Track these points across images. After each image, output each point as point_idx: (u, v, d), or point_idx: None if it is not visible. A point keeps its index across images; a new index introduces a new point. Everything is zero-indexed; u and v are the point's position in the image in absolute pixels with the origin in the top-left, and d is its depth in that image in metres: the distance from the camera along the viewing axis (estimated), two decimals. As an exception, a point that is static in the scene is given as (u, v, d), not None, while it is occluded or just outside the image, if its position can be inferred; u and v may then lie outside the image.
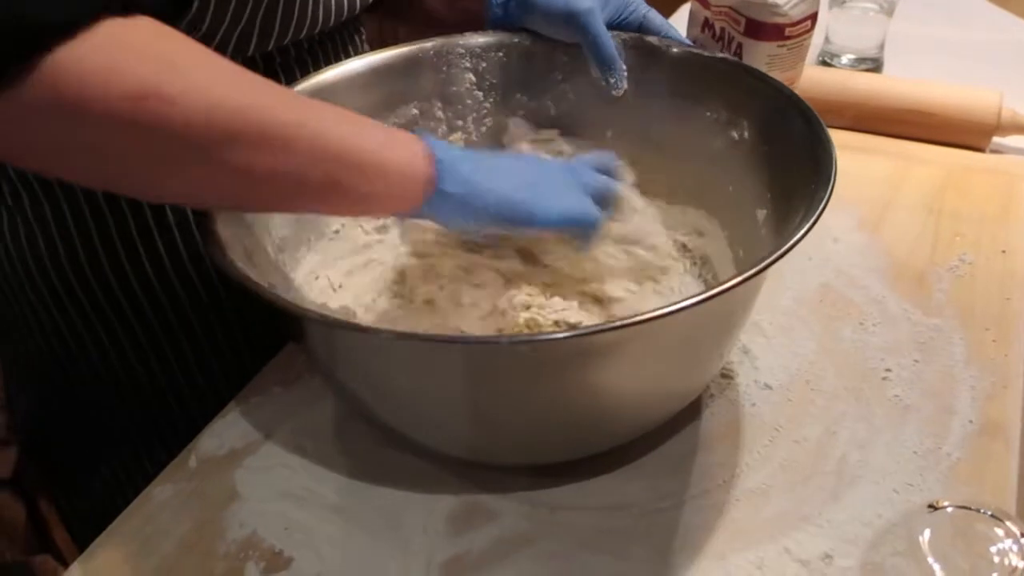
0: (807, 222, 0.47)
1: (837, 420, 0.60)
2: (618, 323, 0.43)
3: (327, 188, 0.49)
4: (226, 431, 0.61)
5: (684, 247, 0.69)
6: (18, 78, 0.39)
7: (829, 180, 0.50)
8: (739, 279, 0.44)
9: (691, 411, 0.61)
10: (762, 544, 0.53)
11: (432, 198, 0.52)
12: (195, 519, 0.55)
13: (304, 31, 0.65)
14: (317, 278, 0.63)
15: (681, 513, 0.55)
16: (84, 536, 0.59)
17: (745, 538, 0.53)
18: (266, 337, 0.68)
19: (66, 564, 0.54)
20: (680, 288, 0.66)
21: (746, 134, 0.62)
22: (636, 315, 0.43)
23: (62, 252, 0.66)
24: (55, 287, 0.68)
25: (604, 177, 0.61)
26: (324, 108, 0.50)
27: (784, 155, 0.57)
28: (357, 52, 0.76)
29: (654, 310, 0.42)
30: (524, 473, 0.57)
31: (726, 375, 0.64)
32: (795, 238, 0.46)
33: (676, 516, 0.55)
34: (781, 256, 0.45)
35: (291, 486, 0.57)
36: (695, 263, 0.67)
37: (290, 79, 0.67)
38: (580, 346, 0.46)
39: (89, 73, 0.40)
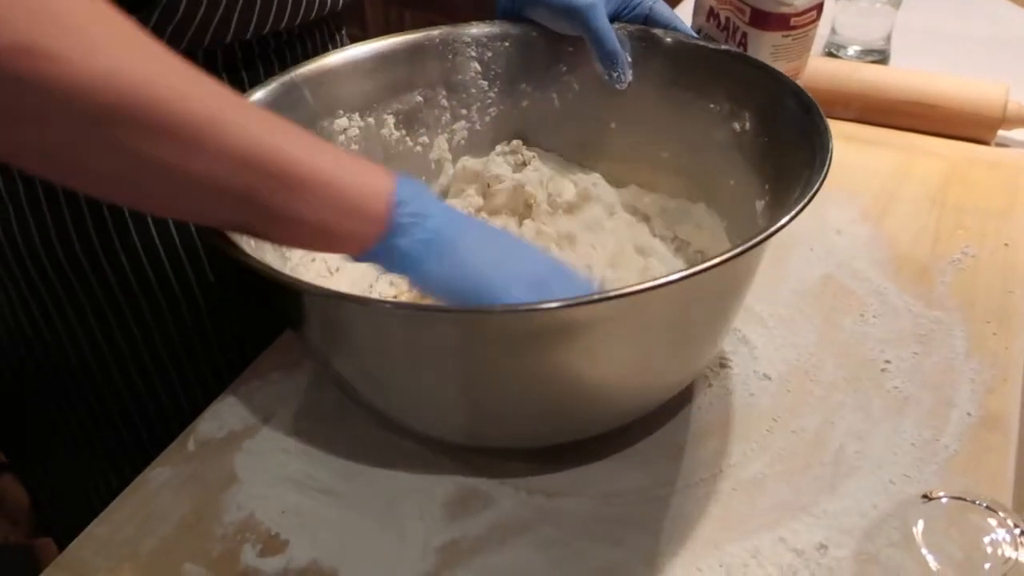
0: (801, 201, 0.47)
1: (835, 411, 0.60)
2: (607, 294, 0.43)
3: (244, 203, 0.43)
4: (225, 414, 0.61)
5: (682, 241, 0.69)
6: None
7: (824, 165, 0.49)
8: (726, 255, 0.44)
9: (688, 399, 0.61)
10: (757, 533, 0.53)
11: (383, 245, 0.46)
12: (193, 501, 0.56)
13: (284, 21, 0.65)
14: (313, 260, 0.63)
15: (677, 501, 0.55)
16: (62, 518, 0.58)
17: (740, 527, 0.53)
18: (244, 334, 0.67)
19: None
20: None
21: (748, 125, 0.62)
22: (626, 287, 0.43)
23: (35, 234, 0.65)
24: (28, 270, 0.66)
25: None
26: (255, 110, 0.45)
27: (783, 145, 0.57)
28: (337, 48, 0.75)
29: (642, 282, 0.42)
30: (521, 459, 0.57)
31: (724, 364, 0.64)
32: (784, 220, 0.45)
33: (672, 504, 0.55)
34: (767, 238, 0.44)
35: (289, 470, 0.57)
36: (694, 259, 0.67)
37: (269, 70, 0.66)
38: (570, 317, 0.46)
39: None
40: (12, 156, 0.42)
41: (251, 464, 0.58)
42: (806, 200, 0.47)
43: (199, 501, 0.56)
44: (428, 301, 0.51)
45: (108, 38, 0.39)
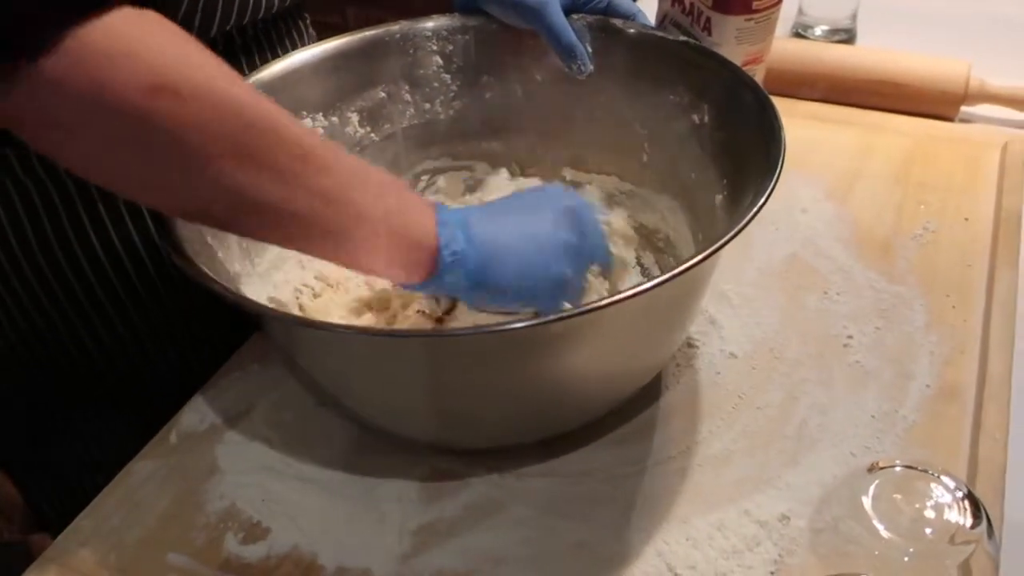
0: (751, 211, 0.48)
1: (799, 386, 0.62)
2: (569, 313, 0.45)
3: (320, 236, 0.47)
4: (206, 407, 0.63)
5: (649, 230, 0.70)
6: (48, 48, 0.38)
7: (774, 174, 0.50)
8: (664, 278, 0.45)
9: (657, 381, 0.62)
10: (722, 507, 0.55)
11: (430, 283, 0.50)
12: (176, 492, 0.57)
13: (247, 16, 0.66)
14: (280, 269, 0.64)
15: (645, 479, 0.57)
16: (56, 513, 0.59)
17: (706, 501, 0.55)
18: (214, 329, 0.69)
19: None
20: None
21: (706, 118, 0.63)
22: (587, 304, 0.45)
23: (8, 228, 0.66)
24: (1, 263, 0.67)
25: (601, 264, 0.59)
26: (332, 147, 0.47)
27: (739, 142, 0.58)
28: (303, 37, 0.76)
29: (598, 300, 0.45)
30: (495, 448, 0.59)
31: (692, 345, 0.66)
32: (716, 246, 0.46)
33: (640, 482, 0.57)
34: (706, 258, 0.46)
35: (269, 459, 0.59)
36: (658, 247, 0.69)
37: (238, 67, 0.67)
38: (529, 336, 0.48)
39: (112, 55, 0.39)
40: (136, 195, 0.46)
41: (232, 455, 0.60)
42: (756, 209, 0.48)
43: (182, 492, 0.57)
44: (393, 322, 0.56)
45: (219, 74, 0.42)
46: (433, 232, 0.50)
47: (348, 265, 0.50)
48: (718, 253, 0.46)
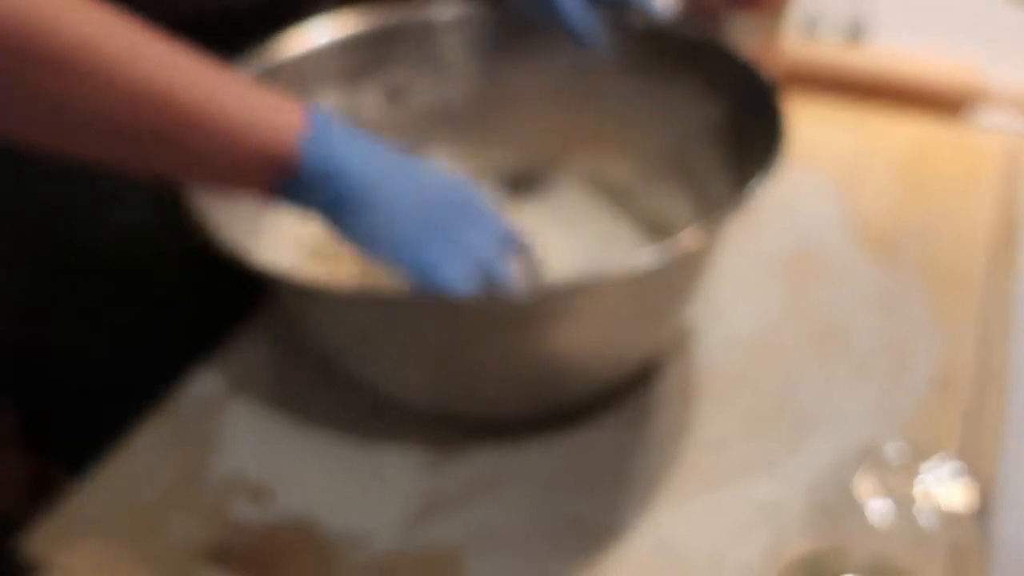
0: (750, 196, 0.49)
1: (798, 374, 0.63)
2: (569, 283, 0.46)
3: (142, 143, 0.44)
4: (212, 376, 0.64)
5: (657, 221, 0.71)
6: None
7: (770, 165, 0.51)
8: (660, 264, 0.46)
9: (656, 362, 0.63)
10: (719, 488, 0.56)
11: (290, 181, 0.45)
12: (184, 458, 0.59)
13: None
14: (293, 236, 0.64)
15: (643, 459, 0.58)
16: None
17: (703, 483, 0.56)
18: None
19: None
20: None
21: (715, 112, 0.64)
22: (579, 279, 0.47)
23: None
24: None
25: (501, 257, 0.51)
26: (165, 47, 0.44)
27: (747, 134, 0.59)
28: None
29: (591, 275, 0.46)
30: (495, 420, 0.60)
31: (691, 330, 0.66)
32: (711, 224, 0.48)
33: (638, 462, 0.58)
34: (702, 247, 0.48)
35: (275, 427, 0.60)
36: (665, 236, 0.70)
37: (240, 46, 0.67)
38: (534, 304, 0.49)
39: None
40: None
41: (237, 423, 0.61)
42: (752, 193, 0.49)
43: (189, 455, 0.59)
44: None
45: None
46: (295, 139, 0.45)
47: (192, 179, 0.47)
48: (715, 234, 0.48)
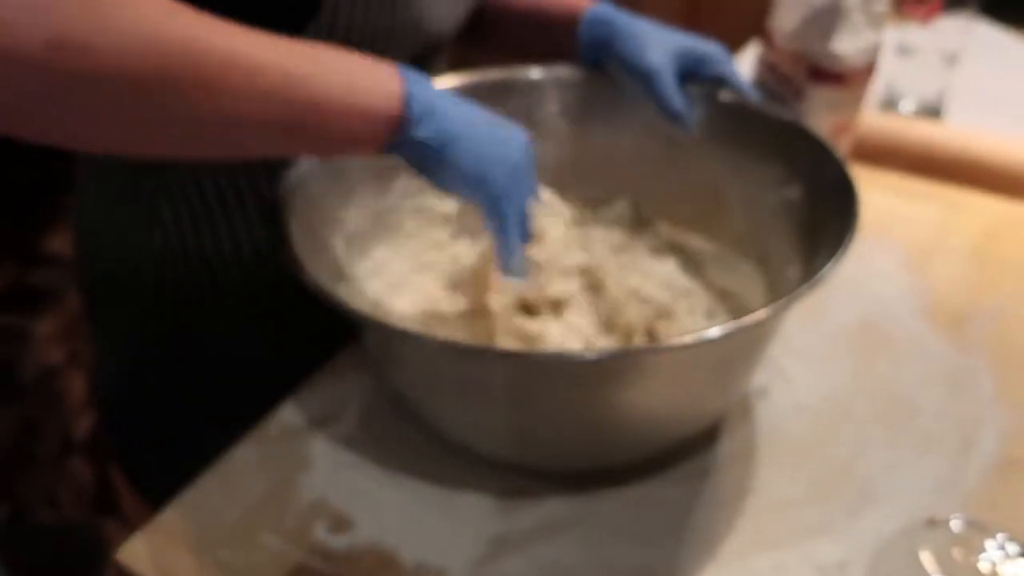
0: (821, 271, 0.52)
1: (864, 444, 0.65)
2: (643, 348, 0.50)
3: (279, 134, 0.48)
4: (304, 405, 0.68)
5: (727, 293, 0.73)
6: None
7: (843, 252, 0.54)
8: (726, 330, 0.49)
9: (724, 425, 0.65)
10: (781, 548, 0.58)
11: (402, 142, 0.52)
12: (272, 480, 0.62)
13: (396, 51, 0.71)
14: (381, 273, 0.69)
15: (708, 515, 0.60)
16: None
17: (766, 542, 0.58)
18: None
19: (131, 528, 0.60)
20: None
21: (795, 194, 0.66)
22: (654, 345, 0.50)
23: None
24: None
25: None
26: (276, 42, 0.47)
27: (821, 218, 0.62)
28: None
29: (667, 342, 0.49)
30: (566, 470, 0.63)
31: (760, 394, 0.68)
32: (782, 301, 0.51)
33: (704, 517, 0.60)
34: (769, 317, 0.51)
35: (358, 459, 0.63)
36: (734, 309, 0.72)
37: None
38: (601, 367, 0.52)
39: (15, 6, 0.38)
40: (79, 142, 0.46)
41: (324, 451, 0.64)
42: (824, 270, 0.53)
43: (277, 479, 0.62)
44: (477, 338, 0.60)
45: (134, 12, 0.41)
46: (399, 97, 0.51)
47: (319, 154, 0.54)
48: (783, 310, 0.50)
